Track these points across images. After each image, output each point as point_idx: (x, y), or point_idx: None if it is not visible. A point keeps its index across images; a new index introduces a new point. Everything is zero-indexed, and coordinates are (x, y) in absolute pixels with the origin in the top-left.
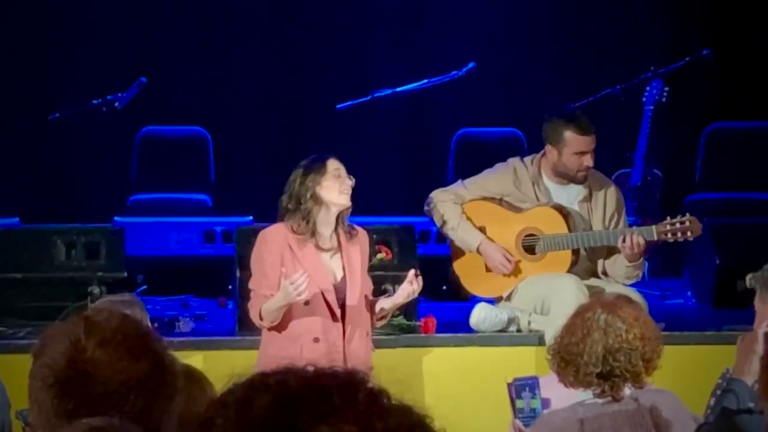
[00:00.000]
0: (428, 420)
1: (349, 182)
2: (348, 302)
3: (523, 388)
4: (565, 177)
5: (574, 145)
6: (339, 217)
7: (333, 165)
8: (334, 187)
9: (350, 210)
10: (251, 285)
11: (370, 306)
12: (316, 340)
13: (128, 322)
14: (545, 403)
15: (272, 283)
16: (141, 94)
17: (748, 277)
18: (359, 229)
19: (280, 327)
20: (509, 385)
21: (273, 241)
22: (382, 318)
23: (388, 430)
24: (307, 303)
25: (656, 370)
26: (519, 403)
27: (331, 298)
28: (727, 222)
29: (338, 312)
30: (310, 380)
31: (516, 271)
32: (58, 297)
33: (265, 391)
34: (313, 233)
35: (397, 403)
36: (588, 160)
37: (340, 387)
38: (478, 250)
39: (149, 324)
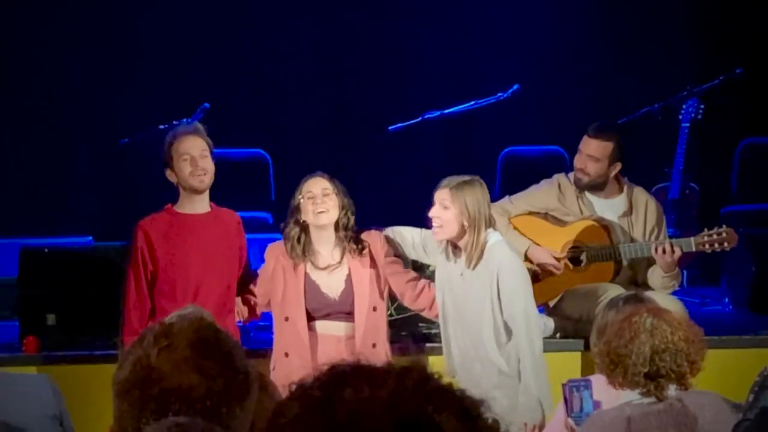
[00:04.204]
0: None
1: (321, 202)
2: (356, 316)
3: (576, 388)
4: (586, 186)
5: (583, 146)
6: (340, 231)
7: (306, 187)
8: (308, 209)
9: (347, 224)
10: None
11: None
12: (286, 354)
13: (203, 330)
14: (596, 404)
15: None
16: (204, 119)
17: None
18: (367, 239)
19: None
20: (564, 385)
21: (270, 256)
22: None
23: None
24: (286, 319)
25: (700, 371)
26: (572, 403)
27: (299, 316)
28: (761, 232)
29: (305, 329)
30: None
31: (562, 281)
32: None
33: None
34: (304, 254)
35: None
36: (583, 163)
37: (387, 368)
38: (526, 255)
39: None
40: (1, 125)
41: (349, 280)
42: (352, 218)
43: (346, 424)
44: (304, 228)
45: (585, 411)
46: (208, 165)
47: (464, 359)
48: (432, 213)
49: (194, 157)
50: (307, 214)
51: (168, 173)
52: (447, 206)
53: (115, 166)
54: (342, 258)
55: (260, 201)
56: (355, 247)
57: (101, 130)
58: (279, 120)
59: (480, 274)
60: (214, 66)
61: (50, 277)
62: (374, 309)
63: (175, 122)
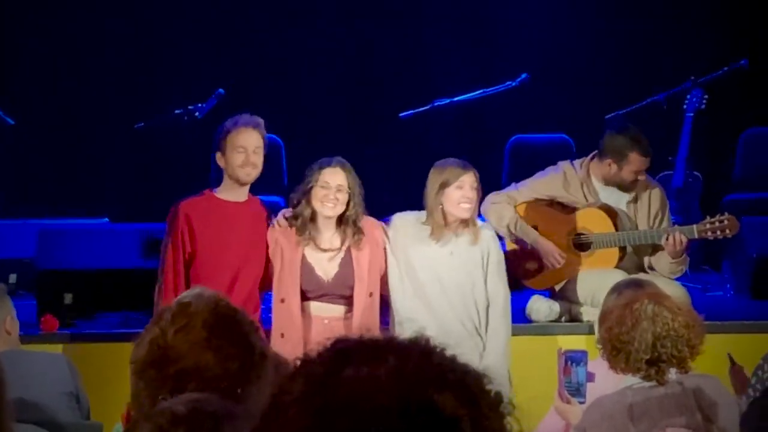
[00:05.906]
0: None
1: (333, 197)
2: (355, 300)
3: (572, 359)
4: (616, 186)
5: (636, 165)
6: (345, 225)
7: (323, 177)
8: (317, 197)
9: (354, 218)
10: None
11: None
12: (282, 335)
13: (219, 311)
14: (590, 376)
15: None
16: (219, 104)
17: None
18: (367, 227)
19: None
20: (561, 355)
21: (270, 238)
22: None
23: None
24: (282, 301)
25: (699, 355)
26: (566, 372)
27: (293, 295)
28: (762, 219)
29: (298, 310)
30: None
31: (568, 267)
32: (145, 290)
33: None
34: (309, 235)
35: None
36: (643, 176)
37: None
38: (530, 246)
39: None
40: (19, 109)
41: (344, 264)
42: (360, 213)
43: (346, 405)
44: (314, 210)
45: (579, 382)
46: (259, 161)
47: (444, 334)
48: (468, 196)
49: (248, 152)
50: (315, 201)
51: (218, 156)
52: (476, 187)
53: (130, 150)
54: (342, 243)
55: (273, 185)
56: (354, 237)
57: (118, 114)
58: (292, 106)
59: (470, 251)
60: (228, 52)
61: (67, 258)
62: (370, 295)
63: (190, 107)
